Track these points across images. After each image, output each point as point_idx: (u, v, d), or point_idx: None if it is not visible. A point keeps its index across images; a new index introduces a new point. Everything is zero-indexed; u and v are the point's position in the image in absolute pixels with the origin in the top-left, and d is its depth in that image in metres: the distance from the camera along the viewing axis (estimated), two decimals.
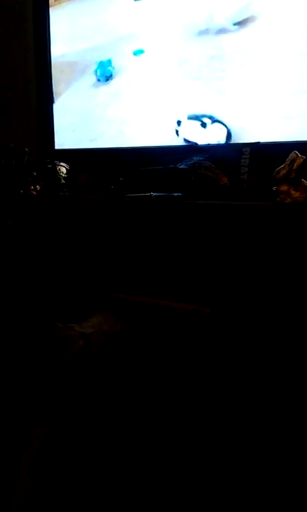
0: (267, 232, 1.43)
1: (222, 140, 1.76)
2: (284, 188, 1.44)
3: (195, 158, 1.72)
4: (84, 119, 2.13)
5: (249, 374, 1.39)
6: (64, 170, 1.95)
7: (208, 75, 1.78)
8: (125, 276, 1.71)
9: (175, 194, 1.65)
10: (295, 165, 1.42)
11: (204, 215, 1.54)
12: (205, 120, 1.80)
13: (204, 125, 1.80)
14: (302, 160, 1.42)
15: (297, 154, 1.43)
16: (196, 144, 1.82)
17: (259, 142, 1.65)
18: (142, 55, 1.94)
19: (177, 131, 1.87)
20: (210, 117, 1.79)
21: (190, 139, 1.84)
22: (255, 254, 1.45)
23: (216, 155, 1.71)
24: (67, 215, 1.86)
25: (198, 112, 1.81)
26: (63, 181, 1.94)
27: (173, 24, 1.85)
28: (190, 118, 1.83)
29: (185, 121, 1.85)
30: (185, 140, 1.86)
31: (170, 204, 1.62)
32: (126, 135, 2.02)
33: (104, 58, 2.03)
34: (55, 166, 1.94)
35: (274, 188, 1.47)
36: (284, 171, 1.44)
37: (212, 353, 1.44)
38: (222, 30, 1.74)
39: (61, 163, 1.95)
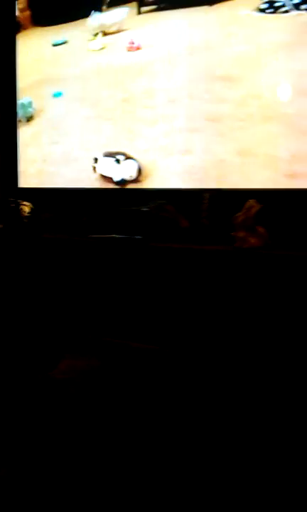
0: (226, 275, 1.49)
1: (134, 175, 1.90)
2: (242, 234, 1.50)
3: (154, 201, 1.77)
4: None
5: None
6: (27, 209, 1.96)
7: (119, 116, 1.93)
8: (90, 316, 1.73)
9: (137, 237, 1.68)
10: (251, 212, 1.50)
11: (165, 258, 1.59)
12: (119, 157, 1.94)
13: (118, 161, 1.94)
14: (258, 208, 1.50)
15: (253, 203, 1.51)
16: (112, 179, 1.95)
17: (219, 189, 1.72)
18: (60, 97, 2.08)
19: (94, 168, 1.99)
20: (123, 154, 1.93)
21: (106, 175, 1.97)
22: (214, 296, 1.50)
23: (175, 198, 1.77)
24: (31, 254, 1.87)
25: (112, 149, 1.95)
26: (26, 220, 1.95)
27: (89, 68, 2.00)
28: (106, 156, 1.97)
29: (101, 159, 1.98)
30: (102, 176, 1.99)
31: (132, 246, 1.67)
32: (46, 173, 2.12)
33: (25, 100, 2.16)
34: (18, 205, 1.95)
35: (232, 234, 1.52)
36: (242, 218, 1.51)
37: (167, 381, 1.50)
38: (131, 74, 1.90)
39: (24, 202, 1.96)
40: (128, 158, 1.92)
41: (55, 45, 2.10)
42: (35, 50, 2.15)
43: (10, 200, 1.97)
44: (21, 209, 1.96)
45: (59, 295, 1.81)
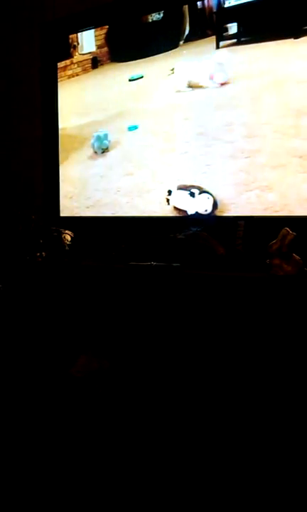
0: (261, 302, 1.49)
1: (209, 209, 1.88)
2: (277, 261, 1.52)
3: (192, 228, 1.81)
4: (81, 188, 2.28)
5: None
6: (68, 237, 2.04)
7: (196, 150, 1.92)
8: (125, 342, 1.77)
9: (174, 264, 1.71)
10: (286, 240, 1.51)
11: (202, 285, 1.61)
12: (193, 190, 1.92)
13: (192, 195, 1.92)
14: (293, 236, 1.50)
15: (288, 231, 1.51)
16: (186, 212, 1.94)
17: (252, 216, 1.74)
18: (136, 130, 2.11)
19: (168, 200, 1.99)
20: (198, 188, 1.91)
21: (180, 208, 1.96)
22: (249, 322, 1.51)
23: (211, 226, 1.80)
24: (71, 281, 1.92)
25: (187, 183, 1.94)
26: (67, 248, 2.03)
27: (165, 103, 2.02)
28: (180, 188, 1.96)
29: (175, 191, 1.97)
30: (175, 208, 1.98)
31: (170, 273, 1.70)
32: (119, 203, 2.14)
33: (101, 133, 2.21)
34: (60, 233, 2.03)
35: (268, 261, 1.54)
36: (276, 246, 1.53)
37: None
38: (208, 109, 1.89)
39: (66, 231, 2.04)
40: (203, 192, 1.89)
41: (131, 79, 2.14)
42: (112, 84, 2.20)
43: (52, 229, 2.05)
44: (63, 237, 2.03)
45: (94, 315, 1.87)
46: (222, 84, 1.86)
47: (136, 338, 1.73)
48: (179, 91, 1.98)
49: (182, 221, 1.91)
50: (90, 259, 2.04)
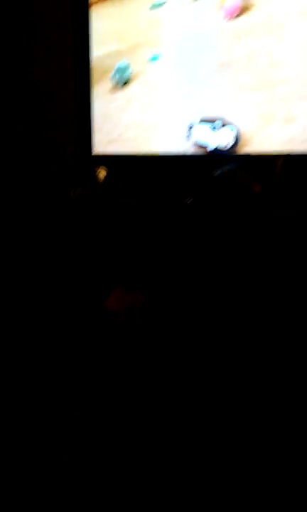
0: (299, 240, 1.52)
1: (231, 143, 1.89)
2: None
3: (228, 166, 1.77)
4: (102, 123, 2.25)
5: None
6: (103, 173, 1.99)
7: (218, 80, 1.90)
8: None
9: (209, 201, 1.70)
10: None
11: (239, 223, 1.61)
12: (215, 124, 1.92)
13: (214, 128, 1.93)
14: None
15: None
16: (206, 147, 1.95)
17: (289, 155, 1.74)
18: (157, 61, 2.07)
19: (188, 135, 1.99)
20: (221, 120, 1.91)
21: (201, 143, 1.97)
22: (286, 260, 1.53)
23: (247, 164, 1.77)
24: (107, 217, 1.91)
25: (209, 115, 1.94)
26: (102, 184, 1.98)
27: (187, 32, 1.97)
28: (202, 121, 1.96)
29: (196, 125, 1.97)
30: (196, 143, 1.99)
31: (207, 211, 1.69)
32: (141, 138, 2.14)
33: (123, 64, 2.16)
34: (94, 170, 1.99)
35: None
36: None
37: None
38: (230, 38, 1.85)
39: (101, 167, 1.99)
40: (225, 124, 1.90)
41: (152, 7, 2.07)
42: (131, 13, 2.13)
43: (86, 165, 2.03)
44: (98, 174, 1.99)
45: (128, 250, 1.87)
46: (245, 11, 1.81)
47: (170, 275, 1.76)
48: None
49: (215, 159, 1.89)
50: (125, 197, 2.01)
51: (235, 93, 1.87)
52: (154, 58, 2.08)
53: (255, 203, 1.67)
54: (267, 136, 1.80)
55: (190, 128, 1.98)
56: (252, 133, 1.84)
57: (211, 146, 1.94)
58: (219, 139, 1.91)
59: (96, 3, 2.22)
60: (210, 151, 1.94)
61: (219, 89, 1.91)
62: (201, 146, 1.97)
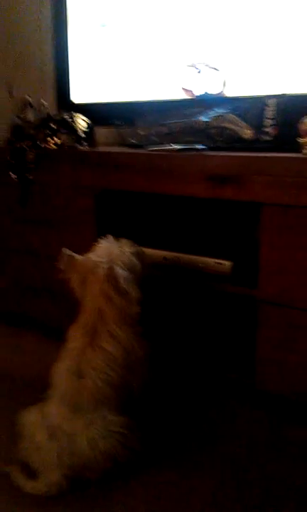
0: (296, 183, 1.32)
1: (220, 88, 1.83)
2: None
3: (216, 110, 1.71)
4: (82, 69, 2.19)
5: None
6: (83, 123, 1.93)
7: (205, 23, 1.82)
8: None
9: (199, 146, 1.61)
10: None
11: (227, 167, 1.44)
12: (200, 66, 1.84)
13: (200, 72, 1.85)
14: None
15: None
16: (192, 92, 1.89)
17: (284, 94, 1.62)
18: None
19: (175, 79, 1.92)
20: (206, 64, 1.84)
21: (187, 88, 1.91)
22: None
23: (238, 107, 1.68)
24: (86, 169, 1.79)
25: (195, 60, 1.86)
26: (83, 134, 1.92)
27: None
28: (188, 66, 1.88)
29: (182, 70, 1.90)
30: (183, 88, 1.92)
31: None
32: (127, 85, 2.07)
33: None
34: (73, 118, 1.91)
35: (299, 140, 1.43)
36: None
37: None
38: None
39: (80, 116, 1.93)
40: (211, 68, 1.85)
41: None
42: None
43: (65, 113, 1.93)
44: (77, 122, 1.92)
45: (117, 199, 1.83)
46: None
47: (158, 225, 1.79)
48: None
49: (203, 103, 1.81)
50: (106, 146, 1.97)
51: (223, 36, 1.79)
52: None
53: (245, 147, 1.61)
54: (257, 80, 1.74)
55: (179, 73, 1.91)
56: (241, 77, 1.78)
57: (197, 92, 1.88)
58: (205, 84, 1.85)
59: None
60: (198, 96, 1.89)
61: (206, 33, 1.83)
62: (188, 91, 1.91)
